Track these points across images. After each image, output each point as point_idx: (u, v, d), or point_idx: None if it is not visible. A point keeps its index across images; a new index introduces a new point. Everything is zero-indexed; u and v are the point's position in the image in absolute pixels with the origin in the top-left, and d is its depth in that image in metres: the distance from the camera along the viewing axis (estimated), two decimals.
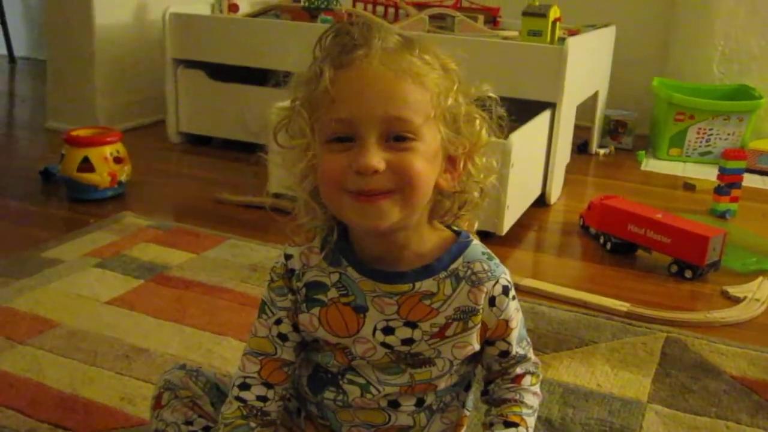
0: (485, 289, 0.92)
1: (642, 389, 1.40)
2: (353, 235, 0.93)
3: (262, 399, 0.97)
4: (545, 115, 2.32)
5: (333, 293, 0.94)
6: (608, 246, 2.09)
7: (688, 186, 2.72)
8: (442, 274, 0.91)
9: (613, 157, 3.12)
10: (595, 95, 3.02)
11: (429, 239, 0.93)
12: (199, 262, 1.87)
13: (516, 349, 0.98)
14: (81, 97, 3.07)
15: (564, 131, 2.41)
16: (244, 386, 0.97)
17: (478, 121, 0.90)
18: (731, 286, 1.86)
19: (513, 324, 0.96)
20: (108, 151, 2.28)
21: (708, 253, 1.88)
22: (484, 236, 1.99)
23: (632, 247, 2.06)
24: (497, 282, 0.92)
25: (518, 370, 0.99)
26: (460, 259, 0.92)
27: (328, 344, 0.96)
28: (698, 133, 3.03)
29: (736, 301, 1.80)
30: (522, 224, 2.22)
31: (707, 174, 2.79)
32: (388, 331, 0.92)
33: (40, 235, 2.02)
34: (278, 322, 0.97)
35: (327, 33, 0.88)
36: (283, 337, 0.97)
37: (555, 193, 2.48)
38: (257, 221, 2.17)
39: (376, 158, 0.81)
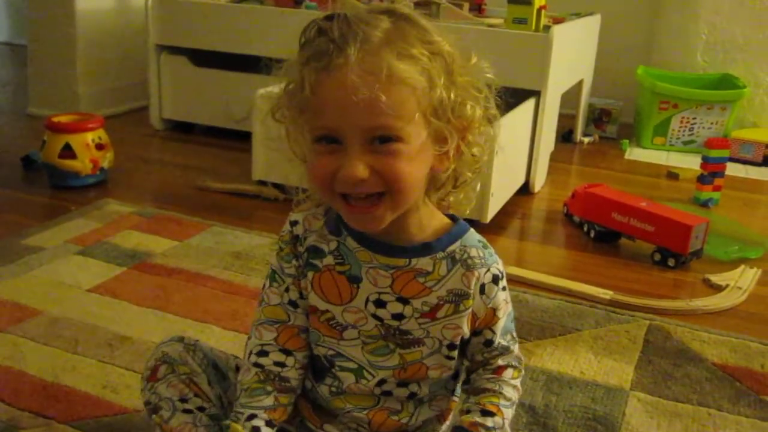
0: (477, 275, 0.93)
1: (625, 376, 1.41)
2: None
3: (280, 365, 0.98)
4: (530, 103, 2.31)
5: (329, 260, 0.95)
6: (592, 234, 2.09)
7: (672, 175, 2.73)
8: (440, 255, 0.93)
9: (598, 146, 3.13)
10: (580, 83, 3.02)
11: (429, 221, 0.94)
12: (182, 250, 1.85)
13: (499, 340, 0.98)
14: (63, 82, 3.04)
15: (549, 119, 2.41)
16: (262, 353, 0.98)
17: (469, 105, 0.89)
18: (713, 275, 1.87)
19: (500, 314, 0.96)
20: (90, 137, 2.26)
21: (691, 241, 1.89)
22: (469, 223, 2.00)
23: (616, 235, 2.06)
24: (488, 270, 0.94)
25: (500, 362, 0.99)
26: (458, 242, 0.93)
27: (315, 313, 0.97)
28: (682, 122, 3.04)
29: (718, 289, 1.81)
30: (506, 212, 2.22)
31: (690, 163, 2.80)
32: (380, 303, 0.94)
33: (21, 222, 2.00)
34: (288, 289, 0.98)
35: (309, 28, 0.86)
36: (293, 304, 0.98)
37: (539, 181, 2.49)
38: (241, 208, 2.16)
39: (360, 168, 0.82)
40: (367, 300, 0.94)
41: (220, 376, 1.07)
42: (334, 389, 0.99)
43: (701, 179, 2.41)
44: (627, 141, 3.11)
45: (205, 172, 2.43)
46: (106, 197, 2.19)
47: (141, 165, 2.58)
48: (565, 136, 3.09)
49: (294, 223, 0.98)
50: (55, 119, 2.28)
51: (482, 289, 0.94)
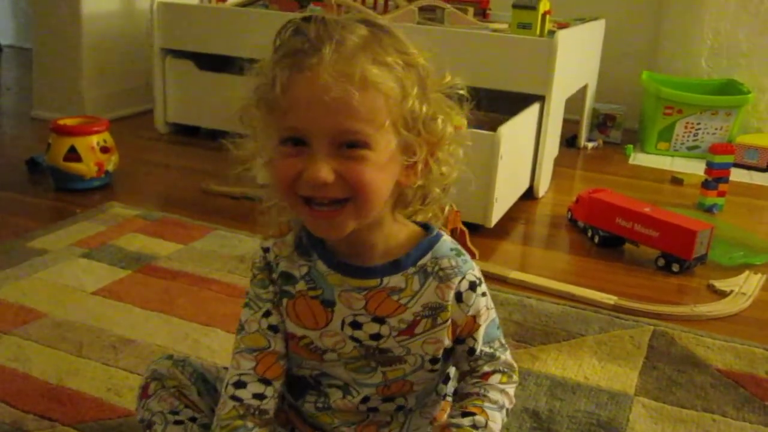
0: (453, 286, 0.91)
1: (629, 382, 1.41)
2: None
3: (259, 397, 0.95)
4: (534, 108, 2.32)
5: (301, 286, 0.94)
6: (596, 239, 2.09)
7: (676, 180, 2.73)
8: (411, 270, 0.91)
9: (602, 151, 3.12)
10: (584, 88, 3.02)
11: (397, 234, 0.92)
12: (187, 253, 1.86)
13: (482, 348, 0.96)
14: (68, 86, 3.05)
15: (553, 124, 2.41)
16: (240, 384, 0.95)
17: (440, 120, 0.87)
18: (718, 280, 1.87)
19: (480, 320, 0.94)
20: (95, 140, 2.27)
21: (695, 247, 1.89)
22: (473, 228, 2.00)
23: (620, 241, 2.06)
24: (464, 278, 0.91)
25: (486, 368, 0.96)
26: (429, 255, 0.91)
27: (293, 339, 0.96)
28: (686, 127, 3.04)
29: (722, 294, 1.81)
30: (510, 217, 2.22)
31: (695, 168, 2.80)
32: (356, 325, 0.92)
33: (26, 225, 2.00)
34: (267, 314, 0.96)
35: (285, 28, 0.85)
36: (274, 329, 0.97)
37: (543, 186, 2.49)
38: (245, 212, 2.16)
39: (325, 170, 0.80)
40: (343, 322, 0.93)
41: (210, 387, 1.08)
42: (320, 405, 0.99)
43: (706, 185, 2.41)
44: (631, 146, 3.11)
45: (210, 176, 2.43)
46: (111, 200, 2.19)
47: (145, 168, 2.58)
48: (569, 141, 3.09)
49: (266, 250, 0.97)
50: (61, 122, 2.28)
51: (459, 297, 0.91)
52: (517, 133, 2.17)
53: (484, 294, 0.94)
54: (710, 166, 2.40)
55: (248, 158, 0.91)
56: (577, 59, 2.68)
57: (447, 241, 0.93)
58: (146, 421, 1.04)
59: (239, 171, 0.93)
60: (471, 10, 2.83)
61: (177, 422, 1.02)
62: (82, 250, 1.84)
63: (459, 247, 0.94)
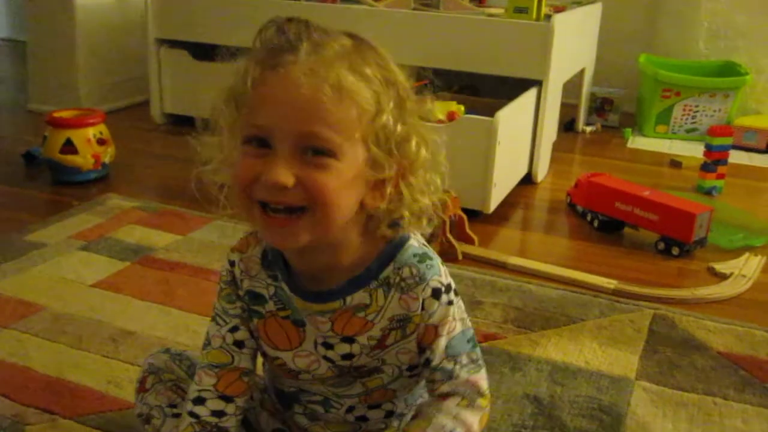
0: (416, 295, 0.86)
1: (630, 366, 1.41)
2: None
3: (218, 414, 0.94)
4: (531, 93, 2.31)
5: (271, 306, 0.92)
6: (595, 223, 2.09)
7: (675, 163, 2.72)
8: (374, 284, 0.86)
9: (600, 135, 3.12)
10: (582, 72, 3.01)
11: (359, 250, 0.87)
12: (185, 244, 1.85)
13: (441, 362, 0.88)
14: (63, 78, 3.03)
15: (550, 109, 2.40)
16: (199, 400, 0.94)
17: (414, 141, 0.83)
18: (718, 263, 1.87)
19: (441, 330, 0.87)
20: (91, 132, 2.26)
21: (695, 230, 1.89)
22: (471, 214, 2.00)
23: (619, 225, 2.06)
24: (427, 285, 0.86)
25: (444, 388, 0.89)
26: (391, 266, 0.86)
27: (267, 358, 0.95)
28: (684, 109, 3.03)
29: (722, 277, 1.81)
30: (509, 202, 2.22)
31: (693, 151, 2.79)
32: (328, 346, 0.91)
33: (24, 218, 2.00)
34: (234, 329, 0.95)
35: (267, 26, 0.82)
36: (239, 344, 0.95)
37: (542, 171, 2.48)
38: None
39: (284, 174, 0.76)
40: (316, 342, 0.91)
41: None
42: (308, 415, 0.99)
43: (704, 167, 2.40)
44: (629, 129, 3.10)
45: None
46: (109, 192, 2.19)
47: (143, 159, 2.57)
48: (567, 125, 3.08)
49: (232, 264, 0.95)
50: (56, 115, 2.27)
51: (423, 305, 0.86)
52: (514, 118, 2.17)
53: (450, 302, 0.87)
54: (709, 149, 2.39)
55: (210, 157, 0.87)
56: (574, 43, 2.67)
57: (411, 246, 0.88)
58: (144, 415, 1.04)
59: (199, 171, 0.88)
60: None
61: (175, 415, 1.02)
62: (81, 242, 1.84)
63: (427, 251, 0.88)
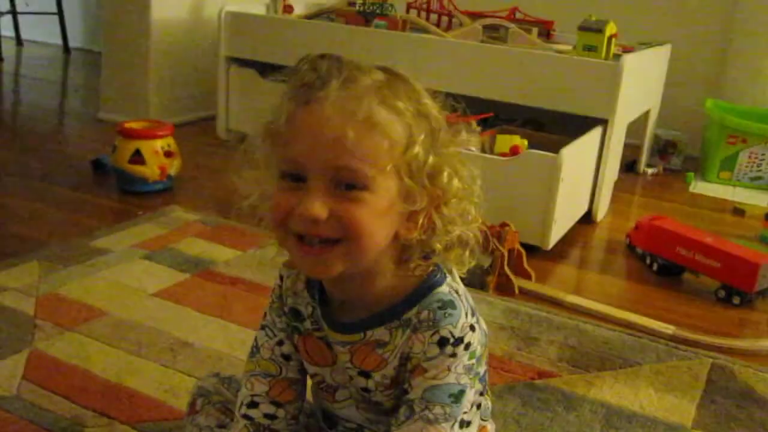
0: (423, 338, 0.85)
1: (686, 414, 1.38)
2: None
3: (270, 417, 0.97)
4: (596, 132, 2.30)
5: (307, 324, 0.94)
6: (654, 267, 2.06)
7: (738, 211, 2.68)
8: (395, 323, 0.87)
9: (662, 177, 3.08)
10: (647, 114, 2.98)
11: (392, 280, 0.87)
12: (245, 260, 1.88)
13: (412, 396, 0.86)
14: (134, 89, 3.11)
15: (614, 149, 2.39)
16: (252, 404, 0.97)
17: (446, 173, 0.84)
18: None
19: (428, 375, 0.85)
20: (159, 144, 2.31)
21: (758, 279, 1.85)
22: (530, 250, 1.99)
23: (679, 270, 2.03)
24: (437, 332, 0.84)
25: (401, 429, 0.86)
26: (416, 308, 0.86)
27: (308, 374, 0.97)
28: (750, 157, 2.98)
29: None
30: (568, 240, 2.20)
31: (757, 199, 2.75)
32: (350, 376, 0.92)
33: (90, 224, 2.05)
34: (280, 343, 0.98)
35: (301, 63, 0.83)
36: (287, 357, 0.98)
37: (602, 211, 2.46)
38: None
39: (318, 207, 0.77)
40: (345, 365, 0.92)
41: None
42: None
43: None
44: (692, 174, 3.06)
45: None
46: (172, 204, 2.23)
47: (206, 174, 2.62)
48: (628, 166, 3.06)
49: (281, 278, 0.97)
50: (127, 125, 2.33)
51: (425, 350, 0.85)
52: (579, 155, 2.16)
53: (453, 355, 0.85)
54: None
55: (250, 192, 0.89)
56: (641, 84, 2.65)
57: (441, 291, 0.86)
58: None
59: (240, 205, 0.90)
60: (535, 30, 2.83)
61: None
62: (144, 251, 1.88)
63: (453, 299, 0.86)
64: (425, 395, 0.85)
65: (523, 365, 1.50)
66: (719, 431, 1.34)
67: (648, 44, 2.85)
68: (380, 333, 0.87)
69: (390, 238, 0.84)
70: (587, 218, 2.41)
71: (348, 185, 0.78)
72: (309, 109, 0.79)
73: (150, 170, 2.29)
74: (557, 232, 2.09)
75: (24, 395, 1.27)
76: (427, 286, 0.87)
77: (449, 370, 0.85)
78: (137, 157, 2.28)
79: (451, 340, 0.84)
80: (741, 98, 3.23)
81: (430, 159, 0.82)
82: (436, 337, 0.84)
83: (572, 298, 1.81)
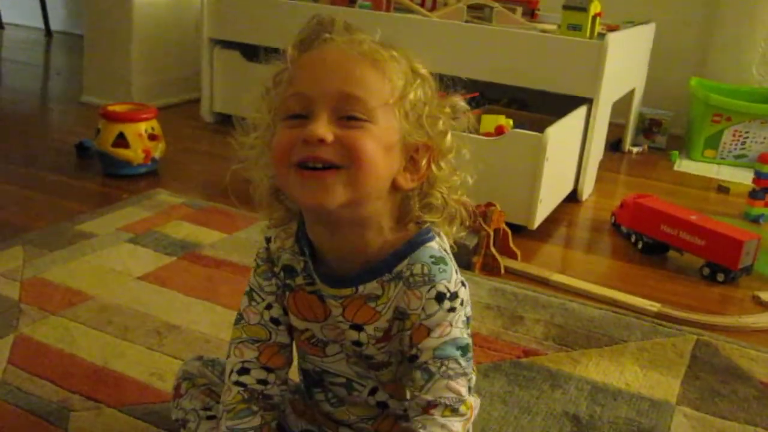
0: (420, 294, 0.86)
1: (671, 391, 1.39)
2: (309, 229, 0.91)
3: (263, 382, 0.98)
4: (581, 111, 2.30)
5: (300, 280, 0.94)
6: (639, 245, 2.07)
7: (722, 188, 2.69)
8: (386, 276, 0.88)
9: (647, 156, 3.09)
10: (632, 92, 2.99)
11: (387, 237, 0.88)
12: (231, 242, 1.87)
13: (425, 359, 0.87)
14: (117, 72, 3.09)
15: (599, 128, 2.39)
16: (243, 371, 0.97)
17: (441, 122, 0.87)
18: (763, 292, 1.84)
19: (433, 333, 0.86)
20: (143, 127, 2.30)
21: (741, 257, 1.87)
22: (516, 229, 2.00)
23: (664, 248, 2.04)
24: (433, 287, 0.85)
25: (428, 397, 0.87)
26: (406, 261, 0.87)
27: (296, 332, 0.97)
28: (734, 135, 2.99)
29: (767, 306, 1.78)
30: (553, 219, 2.21)
31: (742, 177, 2.76)
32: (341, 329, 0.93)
33: (75, 208, 2.04)
34: (269, 306, 0.97)
35: (309, 22, 0.88)
36: (275, 321, 0.98)
37: (587, 190, 2.47)
38: None
39: (323, 128, 0.79)
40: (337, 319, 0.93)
41: None
42: (333, 401, 1.00)
43: (753, 194, 2.37)
44: (677, 152, 3.07)
45: None
46: (157, 187, 2.22)
47: (191, 156, 2.61)
48: (613, 145, 3.06)
49: (268, 240, 0.97)
50: (111, 108, 2.32)
51: (423, 307, 0.86)
52: (563, 135, 2.16)
53: (452, 309, 0.86)
54: (758, 176, 2.36)
55: (246, 156, 0.92)
56: (626, 62, 2.65)
57: (431, 247, 0.88)
58: (180, 420, 1.07)
59: (234, 168, 0.93)
60: (519, 9, 2.82)
61: (209, 417, 1.05)
62: (129, 235, 1.87)
63: (444, 255, 0.88)
64: (436, 354, 0.86)
65: (509, 344, 1.51)
66: (703, 407, 1.35)
67: (632, 23, 2.85)
68: (372, 287, 0.88)
69: (389, 181, 0.85)
70: (573, 197, 2.42)
71: (351, 116, 0.81)
72: (316, 49, 0.84)
73: (134, 153, 2.27)
74: (543, 211, 2.09)
75: (9, 380, 1.27)
76: (418, 241, 0.88)
77: (451, 325, 0.87)
78: (121, 141, 2.26)
79: (448, 295, 0.86)
80: (725, 76, 3.24)
81: (427, 108, 0.86)
82: (433, 293, 0.85)
83: (558, 277, 1.82)
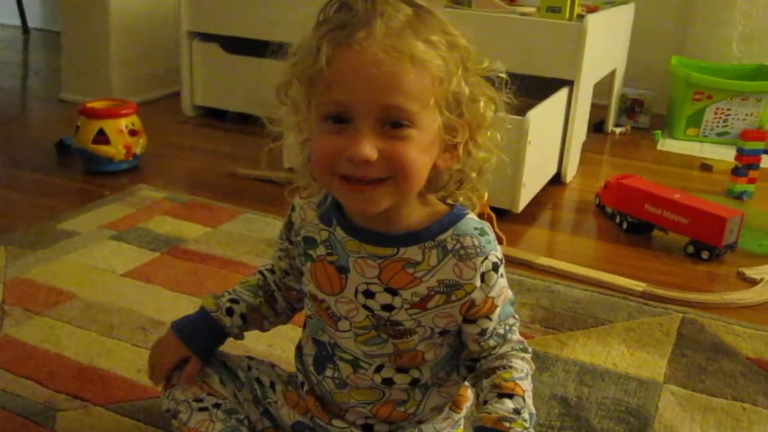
0: (474, 265, 0.89)
1: (658, 369, 1.40)
2: (346, 208, 0.94)
3: (277, 285, 1.10)
4: (563, 93, 2.30)
5: (321, 250, 0.96)
6: (624, 225, 2.07)
7: (705, 166, 2.70)
8: (429, 243, 0.90)
9: (630, 136, 3.09)
10: (613, 73, 2.99)
11: (420, 211, 0.91)
12: (215, 236, 1.87)
13: (495, 327, 0.94)
14: (96, 68, 3.06)
15: (581, 109, 2.39)
16: (271, 270, 1.11)
17: (482, 103, 0.88)
18: (748, 268, 1.85)
19: (498, 301, 0.93)
20: (123, 123, 2.28)
21: (725, 234, 1.87)
22: (500, 213, 2.00)
23: (648, 227, 2.05)
24: (486, 258, 0.90)
25: (500, 350, 0.95)
26: (450, 231, 0.90)
27: (315, 302, 0.99)
28: (716, 113, 3.00)
29: (752, 282, 1.79)
30: (537, 202, 2.21)
31: (724, 155, 2.77)
32: (369, 294, 0.93)
33: (56, 207, 2.02)
34: (279, 257, 1.08)
35: (331, 3, 0.86)
36: (283, 272, 1.09)
37: (571, 172, 2.47)
38: (272, 195, 2.17)
39: (368, 148, 0.79)
40: (356, 290, 0.93)
41: (232, 374, 1.10)
42: (337, 381, 1.00)
43: (735, 171, 2.38)
44: (659, 132, 3.08)
45: (237, 159, 2.44)
46: (139, 183, 2.21)
47: (173, 151, 2.59)
48: (596, 126, 3.07)
49: (293, 209, 1.01)
50: (89, 105, 2.29)
51: (482, 278, 0.90)
52: (545, 117, 2.16)
53: (502, 275, 0.92)
54: (740, 153, 2.37)
55: (282, 135, 0.94)
56: (606, 43, 2.65)
57: (472, 219, 0.92)
58: (172, 411, 1.06)
59: (270, 147, 0.96)
60: None
61: (201, 409, 1.04)
62: (112, 232, 1.86)
63: (485, 226, 0.92)
64: (501, 317, 0.94)
65: None
66: (690, 384, 1.36)
67: (612, 3, 2.85)
68: (413, 252, 0.90)
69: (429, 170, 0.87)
70: (557, 180, 2.42)
71: (394, 123, 0.81)
72: (352, 50, 0.80)
73: (115, 150, 2.26)
74: (527, 194, 2.10)
75: None
76: (457, 213, 0.92)
77: (505, 289, 0.94)
78: (101, 137, 2.24)
79: (499, 263, 0.91)
80: (705, 54, 3.24)
81: (466, 90, 0.86)
82: (488, 264, 0.90)
83: (543, 260, 1.82)
